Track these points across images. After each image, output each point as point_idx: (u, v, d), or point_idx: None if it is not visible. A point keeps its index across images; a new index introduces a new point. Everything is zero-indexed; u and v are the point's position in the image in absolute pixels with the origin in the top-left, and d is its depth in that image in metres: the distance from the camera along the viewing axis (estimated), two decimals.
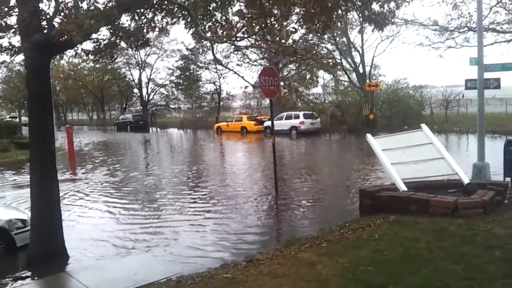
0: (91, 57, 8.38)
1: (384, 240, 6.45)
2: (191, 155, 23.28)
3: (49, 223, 7.06)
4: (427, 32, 27.11)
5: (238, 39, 6.36)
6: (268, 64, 28.11)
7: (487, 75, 10.82)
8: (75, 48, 7.87)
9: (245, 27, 5.99)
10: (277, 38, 7.64)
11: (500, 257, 5.36)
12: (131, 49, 7.82)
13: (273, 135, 12.08)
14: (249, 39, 7.67)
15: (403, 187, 8.50)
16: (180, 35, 79.44)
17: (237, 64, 39.72)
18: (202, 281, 5.62)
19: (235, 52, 36.76)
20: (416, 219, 7.36)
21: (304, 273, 5.43)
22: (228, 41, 6.28)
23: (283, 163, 17.18)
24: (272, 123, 12.41)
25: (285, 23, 8.36)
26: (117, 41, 7.03)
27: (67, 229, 8.22)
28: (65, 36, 5.85)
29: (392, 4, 8.34)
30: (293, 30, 6.68)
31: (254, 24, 6.29)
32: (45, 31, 7.01)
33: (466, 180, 8.65)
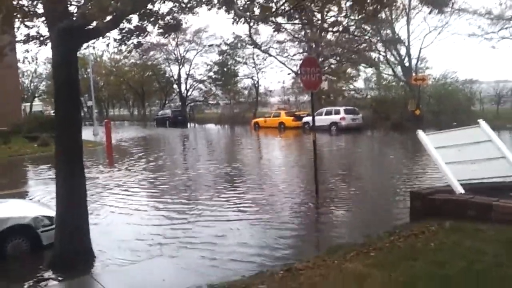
0: (123, 48, 7.97)
1: (442, 251, 5.62)
2: (227, 152, 22.84)
3: (74, 222, 6.64)
4: (480, 22, 25.58)
5: (275, 14, 5.67)
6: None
7: None
8: (105, 37, 7.45)
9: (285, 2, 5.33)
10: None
11: None
12: (162, 35, 7.30)
13: (314, 132, 11.29)
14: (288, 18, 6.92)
15: (460, 189, 7.58)
16: (218, 30, 79.38)
17: (277, 55, 38.70)
18: None
19: (274, 37, 36.12)
20: (476, 226, 6.46)
21: None
22: (266, 20, 5.61)
23: (323, 161, 16.37)
24: (313, 119, 11.52)
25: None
26: (145, 24, 6.50)
27: (95, 228, 7.83)
28: (89, 21, 5.36)
29: None
30: None
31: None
32: (73, 19, 6.62)
33: None
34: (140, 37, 6.93)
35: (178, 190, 12.17)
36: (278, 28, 5.56)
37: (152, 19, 6.40)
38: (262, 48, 38.00)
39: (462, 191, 7.56)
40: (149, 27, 6.74)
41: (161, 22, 6.56)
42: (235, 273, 5.87)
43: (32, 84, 60.41)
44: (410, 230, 6.83)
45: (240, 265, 6.35)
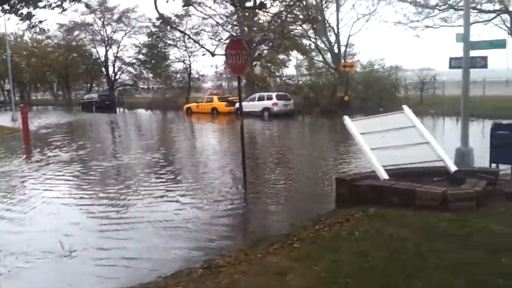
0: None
1: (366, 240, 5.50)
2: (156, 139, 21.96)
3: None
4: (405, 10, 26.55)
5: None
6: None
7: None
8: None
9: None
10: None
11: (509, 265, 4.44)
12: (60, 8, 6.51)
13: (242, 118, 10.82)
14: None
15: (385, 175, 7.59)
16: (148, 11, 76.38)
17: (209, 38, 37.84)
18: None
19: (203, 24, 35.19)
20: (400, 212, 6.45)
21: (271, 286, 4.42)
22: None
23: (253, 148, 16.14)
24: (240, 104, 10.98)
25: None
26: None
27: None
28: None
29: None
30: None
31: None
32: None
33: (453, 167, 7.83)
34: (31, 8, 6.10)
35: (97, 183, 11.26)
36: (187, 3, 5.04)
37: None
38: (193, 32, 36.97)
39: (387, 177, 7.57)
40: None
41: None
42: (151, 274, 5.38)
43: None
44: (335, 218, 6.71)
45: (157, 265, 5.80)
